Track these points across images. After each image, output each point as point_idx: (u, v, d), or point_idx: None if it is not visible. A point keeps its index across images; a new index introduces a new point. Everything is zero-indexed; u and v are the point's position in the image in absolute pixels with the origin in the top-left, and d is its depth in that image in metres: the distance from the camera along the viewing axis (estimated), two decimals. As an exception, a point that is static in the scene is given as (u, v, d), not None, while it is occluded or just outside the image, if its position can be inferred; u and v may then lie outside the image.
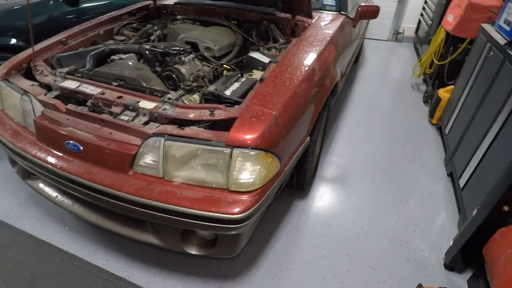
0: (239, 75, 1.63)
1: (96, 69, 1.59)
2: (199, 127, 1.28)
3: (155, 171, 1.26)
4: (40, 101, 1.48)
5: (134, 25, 2.24)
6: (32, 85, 1.56)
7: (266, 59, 1.70)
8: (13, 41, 2.56)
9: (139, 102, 1.37)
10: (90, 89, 1.46)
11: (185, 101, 1.40)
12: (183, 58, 1.67)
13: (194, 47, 1.89)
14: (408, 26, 5.10)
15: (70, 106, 1.40)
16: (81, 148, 1.33)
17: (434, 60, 3.29)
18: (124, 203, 1.25)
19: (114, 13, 2.29)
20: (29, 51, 1.75)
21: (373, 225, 1.91)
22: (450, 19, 3.16)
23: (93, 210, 1.51)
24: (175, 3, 2.42)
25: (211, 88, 1.45)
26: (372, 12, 2.39)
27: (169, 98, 1.34)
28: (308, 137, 1.62)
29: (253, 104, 1.29)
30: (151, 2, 2.46)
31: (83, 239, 1.75)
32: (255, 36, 2.08)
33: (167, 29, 2.08)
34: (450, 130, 2.47)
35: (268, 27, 2.06)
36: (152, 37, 2.09)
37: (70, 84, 1.50)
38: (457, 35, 3.06)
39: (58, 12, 2.84)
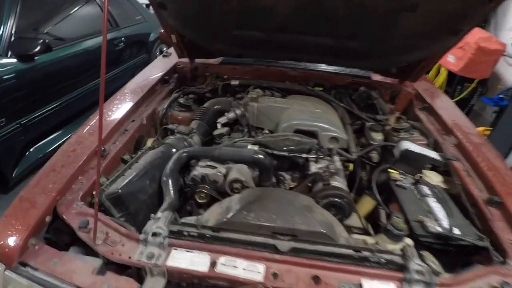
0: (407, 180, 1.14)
1: (230, 218, 0.87)
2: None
3: None
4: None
5: (181, 100, 1.49)
6: (94, 271, 0.76)
7: (432, 153, 1.23)
8: None
9: (360, 285, 0.76)
10: (244, 266, 0.77)
11: (432, 265, 0.84)
12: (332, 169, 1.08)
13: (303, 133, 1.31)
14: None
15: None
16: None
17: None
18: None
19: (145, 85, 1.49)
20: (52, 188, 0.90)
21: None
22: (452, 59, 3.24)
23: None
24: (222, 63, 1.74)
25: (432, 225, 0.92)
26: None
27: (418, 272, 0.76)
28: None
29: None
30: (182, 61, 1.72)
31: None
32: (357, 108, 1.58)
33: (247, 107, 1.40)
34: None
35: (369, 94, 1.59)
36: (222, 120, 1.39)
37: (192, 263, 0.77)
38: (465, 76, 3.16)
39: (8, 71, 1.89)
